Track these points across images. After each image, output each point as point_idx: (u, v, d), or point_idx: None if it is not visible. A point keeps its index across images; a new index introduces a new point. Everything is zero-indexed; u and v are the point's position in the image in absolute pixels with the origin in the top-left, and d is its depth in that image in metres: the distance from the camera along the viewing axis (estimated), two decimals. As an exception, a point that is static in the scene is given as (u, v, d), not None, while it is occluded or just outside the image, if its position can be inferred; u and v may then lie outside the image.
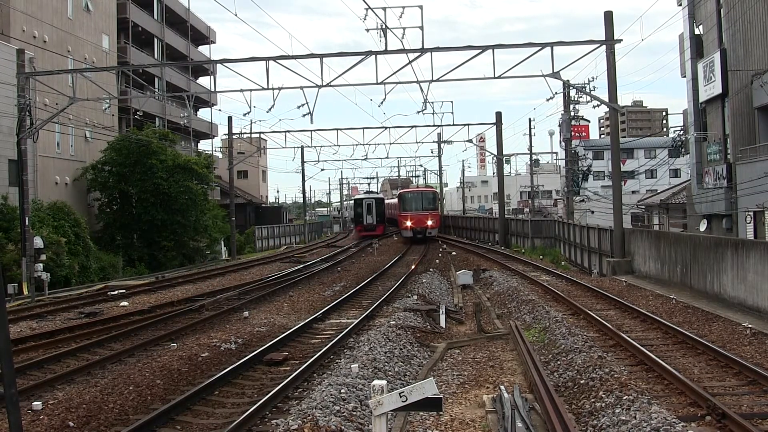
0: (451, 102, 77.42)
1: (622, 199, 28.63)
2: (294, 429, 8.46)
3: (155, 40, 57.17)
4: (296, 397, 11.02)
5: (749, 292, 17.25)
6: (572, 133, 45.09)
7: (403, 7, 23.97)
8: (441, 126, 48.55)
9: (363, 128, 47.07)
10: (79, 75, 32.71)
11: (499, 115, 46.71)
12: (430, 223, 52.88)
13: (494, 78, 25.84)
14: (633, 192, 64.76)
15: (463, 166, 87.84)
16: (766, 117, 28.23)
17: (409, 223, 52.86)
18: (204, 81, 69.00)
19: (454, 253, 40.58)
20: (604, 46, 26.59)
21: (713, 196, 30.62)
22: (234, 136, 49.58)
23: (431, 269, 30.73)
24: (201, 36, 67.42)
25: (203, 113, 71.52)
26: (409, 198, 55.04)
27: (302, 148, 66.75)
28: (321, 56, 25.85)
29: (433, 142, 69.40)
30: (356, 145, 65.72)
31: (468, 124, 46.67)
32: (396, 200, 60.73)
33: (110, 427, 9.95)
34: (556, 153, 74.17)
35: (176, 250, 43.53)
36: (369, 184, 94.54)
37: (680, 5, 33.75)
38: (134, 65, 43.90)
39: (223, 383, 11.94)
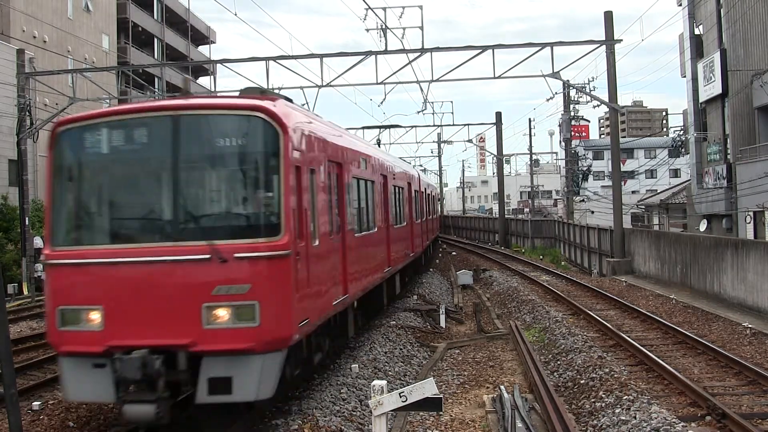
0: (451, 102, 76.78)
1: (622, 199, 28.62)
2: (294, 429, 8.46)
3: (155, 40, 57.13)
4: (296, 396, 11.00)
5: (749, 292, 17.25)
6: (572, 133, 45.15)
7: (403, 7, 24.03)
8: (441, 126, 48.44)
9: (363, 128, 46.92)
10: (79, 75, 32.67)
11: (499, 115, 46.73)
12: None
13: (494, 78, 25.84)
14: (633, 192, 64.72)
15: (463, 166, 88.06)
16: (766, 117, 28.22)
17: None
18: (204, 81, 68.91)
19: (454, 253, 40.56)
20: (604, 46, 26.59)
21: (713, 196, 30.61)
22: (234, 136, 49.46)
23: (431, 269, 30.72)
24: (201, 36, 67.37)
25: (203, 113, 71.39)
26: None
27: (302, 148, 66.57)
28: (321, 56, 25.86)
29: (433, 142, 69.35)
30: (356, 145, 65.40)
31: (468, 124, 46.67)
32: None
33: (110, 427, 9.94)
34: (556, 153, 74.32)
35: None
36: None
37: (680, 5, 33.74)
38: (134, 65, 43.87)
39: (223, 383, 11.91)
